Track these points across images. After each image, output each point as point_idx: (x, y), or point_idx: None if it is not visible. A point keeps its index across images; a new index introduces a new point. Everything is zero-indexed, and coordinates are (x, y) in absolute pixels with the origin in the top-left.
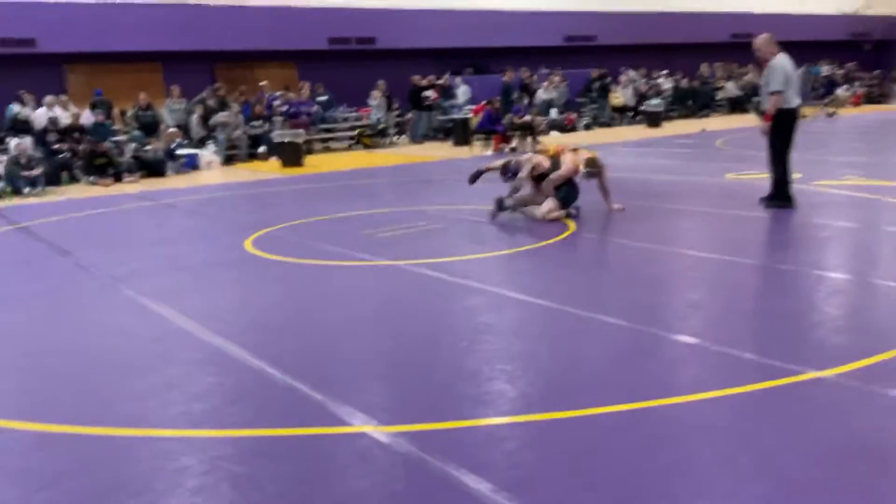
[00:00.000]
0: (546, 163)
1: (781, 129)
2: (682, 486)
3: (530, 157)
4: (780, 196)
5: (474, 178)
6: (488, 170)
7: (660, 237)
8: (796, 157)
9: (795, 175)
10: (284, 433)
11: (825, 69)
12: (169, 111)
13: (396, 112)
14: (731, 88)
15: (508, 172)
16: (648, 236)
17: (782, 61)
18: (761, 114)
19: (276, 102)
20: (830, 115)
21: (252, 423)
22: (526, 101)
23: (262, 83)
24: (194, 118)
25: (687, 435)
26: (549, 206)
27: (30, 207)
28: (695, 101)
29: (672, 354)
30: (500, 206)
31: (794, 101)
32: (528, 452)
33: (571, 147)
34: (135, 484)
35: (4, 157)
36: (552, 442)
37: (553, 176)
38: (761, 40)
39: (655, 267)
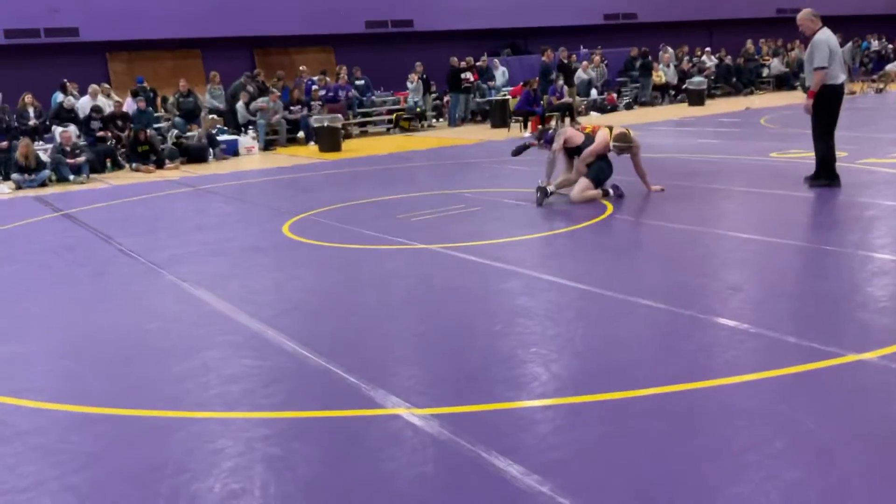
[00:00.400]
0: (579, 138)
1: (826, 106)
2: (717, 470)
3: (564, 130)
4: (825, 175)
5: (518, 151)
6: (532, 144)
7: (700, 218)
8: (842, 134)
9: (841, 153)
10: (318, 415)
11: (874, 44)
12: (211, 96)
13: (434, 95)
14: (776, 65)
15: (543, 139)
16: (688, 218)
17: (826, 36)
18: (807, 90)
19: (315, 87)
20: (879, 90)
21: (286, 406)
22: (561, 82)
23: (302, 68)
24: (240, 104)
25: (723, 418)
26: (581, 186)
27: (74, 195)
28: (739, 79)
29: (710, 337)
30: (545, 193)
31: (840, 77)
32: (560, 435)
33: (607, 125)
34: (171, 465)
35: (50, 146)
36: (585, 425)
37: (585, 152)
38: (803, 15)
39: (695, 249)
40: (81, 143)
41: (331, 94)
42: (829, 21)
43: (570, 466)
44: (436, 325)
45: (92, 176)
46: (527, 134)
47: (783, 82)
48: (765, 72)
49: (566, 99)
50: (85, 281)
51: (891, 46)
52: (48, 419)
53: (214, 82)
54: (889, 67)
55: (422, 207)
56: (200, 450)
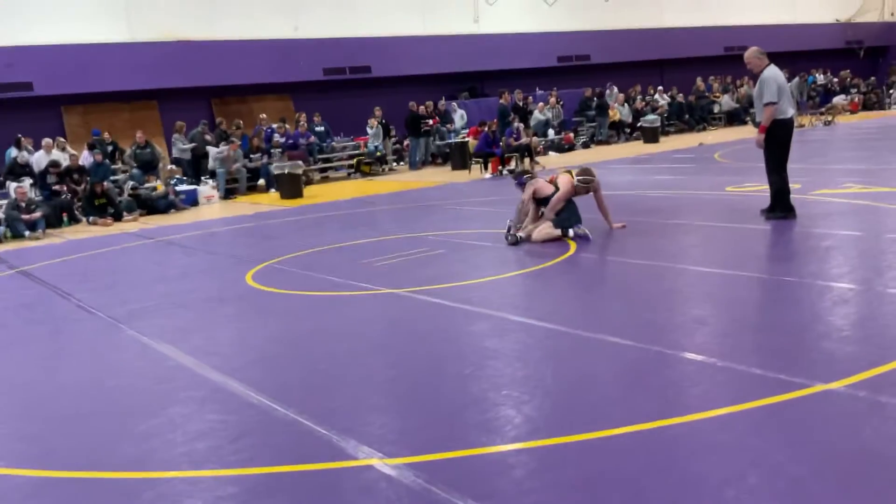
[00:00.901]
0: (548, 189)
1: (777, 140)
2: None
3: (535, 181)
4: (781, 207)
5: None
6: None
7: (662, 254)
8: (795, 167)
9: (794, 185)
10: (288, 469)
11: (820, 78)
12: (180, 145)
13: (394, 139)
14: (727, 101)
15: (518, 181)
16: (650, 253)
17: (774, 73)
18: (757, 125)
19: (275, 135)
20: (828, 123)
21: (256, 461)
22: (517, 123)
23: (262, 117)
24: (212, 152)
25: (696, 454)
26: (542, 226)
27: (30, 251)
28: (691, 116)
29: (679, 372)
30: (516, 239)
31: (789, 111)
32: (536, 479)
33: (564, 170)
34: None
35: (4, 202)
36: (560, 467)
37: (553, 199)
38: (750, 53)
39: (659, 284)
40: (37, 197)
41: (291, 140)
42: (775, 57)
43: None
44: (405, 370)
45: (48, 231)
46: (487, 175)
47: (734, 118)
48: (716, 108)
49: (524, 140)
50: (44, 339)
51: (836, 80)
52: (8, 485)
53: (181, 132)
54: (836, 100)
55: (386, 252)
56: None
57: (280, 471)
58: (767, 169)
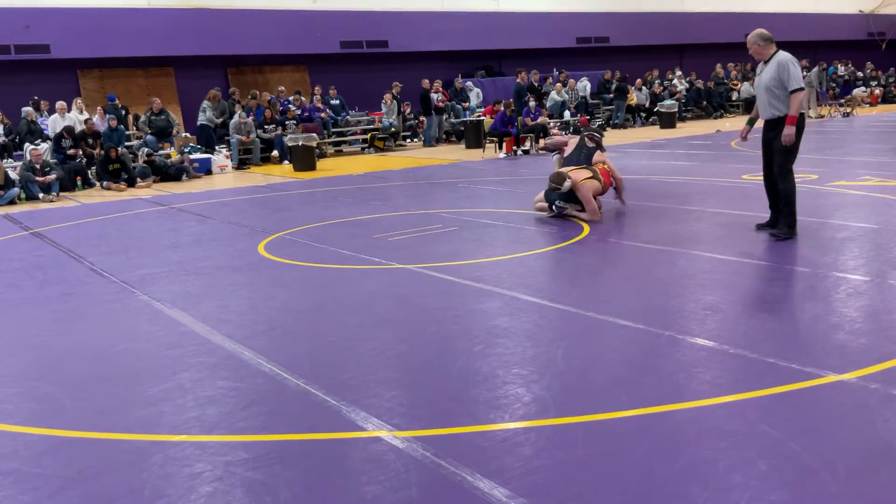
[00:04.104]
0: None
1: (798, 134)
2: (700, 491)
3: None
4: (788, 220)
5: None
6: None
7: (675, 239)
8: (812, 157)
9: (812, 176)
10: (298, 438)
11: (840, 69)
12: (208, 117)
13: (411, 116)
14: (746, 89)
15: (549, 148)
16: (664, 238)
17: (791, 56)
18: (752, 122)
19: (290, 106)
20: (847, 114)
21: (265, 428)
22: (534, 103)
23: (280, 89)
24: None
25: (705, 439)
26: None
27: (44, 213)
28: (709, 102)
29: (689, 357)
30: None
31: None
32: (543, 457)
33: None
34: (148, 490)
35: (19, 163)
36: (568, 447)
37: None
38: (754, 37)
39: (671, 269)
40: (52, 160)
41: (306, 113)
42: (796, 46)
43: (555, 489)
44: (416, 345)
45: (62, 194)
46: (502, 155)
47: (752, 106)
48: (734, 95)
49: (540, 120)
50: (56, 301)
51: (857, 72)
52: (20, 443)
53: (214, 101)
54: (855, 92)
55: (398, 227)
56: (178, 474)
57: (289, 439)
58: (782, 170)
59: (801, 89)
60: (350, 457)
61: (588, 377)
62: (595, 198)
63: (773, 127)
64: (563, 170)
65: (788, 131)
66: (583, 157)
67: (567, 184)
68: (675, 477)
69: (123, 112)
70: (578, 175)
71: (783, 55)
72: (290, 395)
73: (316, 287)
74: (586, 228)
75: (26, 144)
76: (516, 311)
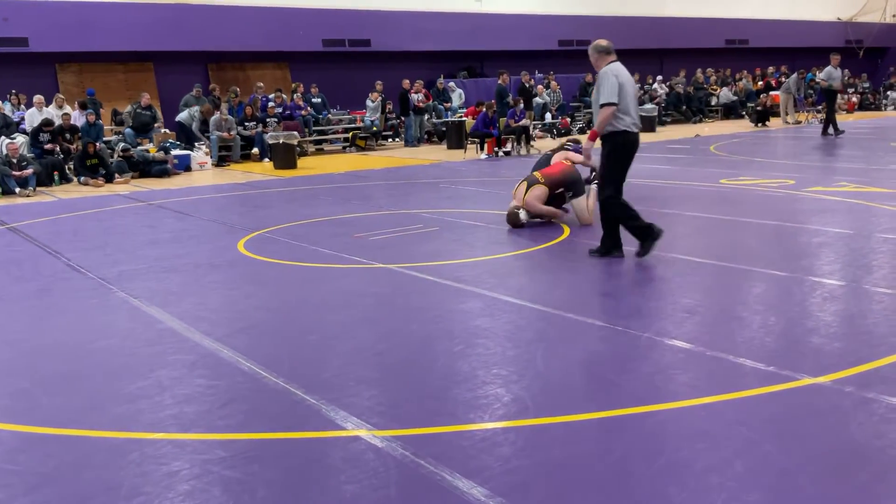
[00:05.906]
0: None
1: (616, 155)
2: (678, 492)
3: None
4: (613, 242)
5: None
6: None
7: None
8: (789, 163)
9: (788, 181)
10: (277, 437)
11: (818, 75)
12: (191, 114)
13: (393, 115)
14: (725, 94)
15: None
16: None
17: (617, 69)
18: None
19: (271, 104)
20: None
21: (243, 427)
22: (521, 105)
23: (259, 85)
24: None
25: (682, 441)
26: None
27: (20, 207)
28: (689, 107)
29: (668, 359)
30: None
31: (634, 123)
32: (522, 457)
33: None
34: (125, 488)
35: None
36: (547, 447)
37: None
38: (592, 48)
39: (650, 272)
40: (29, 155)
41: (287, 111)
42: (774, 53)
43: (533, 489)
44: (395, 344)
45: (39, 189)
46: (483, 156)
47: (731, 111)
48: (713, 100)
49: (524, 122)
50: (32, 297)
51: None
52: None
53: (197, 94)
54: None
55: (379, 226)
56: (155, 472)
57: (268, 437)
58: (600, 188)
59: (612, 104)
60: (329, 456)
61: (567, 378)
62: (557, 194)
63: (604, 142)
64: (511, 203)
65: (587, 145)
66: (541, 162)
67: (522, 214)
68: (652, 477)
69: (99, 106)
70: (519, 194)
71: (607, 67)
72: (269, 394)
73: (296, 285)
74: (566, 230)
75: (2, 138)
76: (497, 311)
